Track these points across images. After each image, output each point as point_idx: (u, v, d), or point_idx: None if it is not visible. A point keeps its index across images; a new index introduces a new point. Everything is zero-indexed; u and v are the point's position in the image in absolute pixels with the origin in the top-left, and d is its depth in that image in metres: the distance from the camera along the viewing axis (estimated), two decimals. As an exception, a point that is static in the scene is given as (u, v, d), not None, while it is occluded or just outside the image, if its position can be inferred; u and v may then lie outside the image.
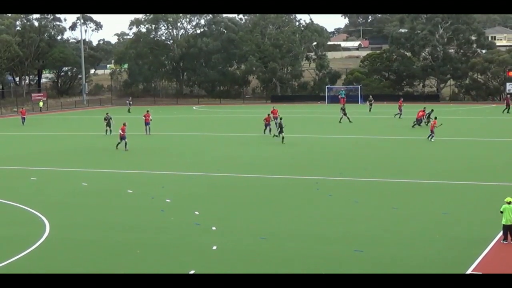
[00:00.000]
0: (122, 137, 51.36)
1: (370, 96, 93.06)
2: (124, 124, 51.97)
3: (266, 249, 24.12)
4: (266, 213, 30.03)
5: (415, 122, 63.63)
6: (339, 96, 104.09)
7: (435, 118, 54.87)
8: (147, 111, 64.36)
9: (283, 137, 52.68)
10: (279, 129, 53.89)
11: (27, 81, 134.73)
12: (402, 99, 79.73)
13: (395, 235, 25.94)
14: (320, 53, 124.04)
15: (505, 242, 24.20)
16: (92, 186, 37.28)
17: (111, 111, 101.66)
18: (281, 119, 56.41)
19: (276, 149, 50.79)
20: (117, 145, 51.57)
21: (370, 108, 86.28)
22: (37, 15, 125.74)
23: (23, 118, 74.70)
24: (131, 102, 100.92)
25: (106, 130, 61.93)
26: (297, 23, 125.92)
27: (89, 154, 51.20)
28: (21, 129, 74.12)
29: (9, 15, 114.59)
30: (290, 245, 24.68)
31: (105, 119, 62.89)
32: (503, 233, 24.37)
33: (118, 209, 31.26)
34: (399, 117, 73.49)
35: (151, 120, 62.40)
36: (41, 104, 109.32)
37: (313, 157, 46.86)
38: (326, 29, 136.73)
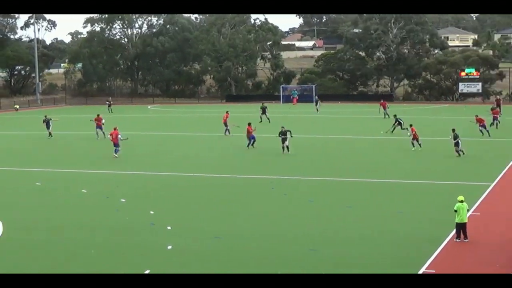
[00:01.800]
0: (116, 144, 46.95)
1: (316, 97, 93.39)
2: (115, 129, 47.80)
3: (222, 249, 24.15)
4: (222, 212, 30.07)
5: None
6: (292, 96, 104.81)
7: (411, 125, 52.28)
8: (98, 114, 60.78)
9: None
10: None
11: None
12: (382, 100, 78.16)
13: (349, 234, 26.12)
14: (274, 52, 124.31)
15: (457, 241, 24.52)
16: (46, 185, 37.01)
17: (65, 111, 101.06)
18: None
19: (231, 149, 50.83)
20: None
21: (317, 109, 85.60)
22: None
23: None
24: (111, 102, 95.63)
25: (50, 133, 58.99)
26: (252, 22, 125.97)
27: (44, 153, 50.80)
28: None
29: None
30: (245, 244, 24.76)
31: (43, 121, 60.46)
32: (456, 231, 24.68)
33: (73, 209, 31.08)
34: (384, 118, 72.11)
35: (103, 124, 58.62)
36: (16, 106, 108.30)
37: (268, 157, 46.96)
38: (280, 29, 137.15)
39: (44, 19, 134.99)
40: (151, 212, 29.73)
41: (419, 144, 48.27)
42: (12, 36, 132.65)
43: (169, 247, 24.25)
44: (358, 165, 43.04)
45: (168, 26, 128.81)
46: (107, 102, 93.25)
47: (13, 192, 35.65)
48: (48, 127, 59.20)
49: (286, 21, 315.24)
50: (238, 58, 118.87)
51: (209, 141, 53.56)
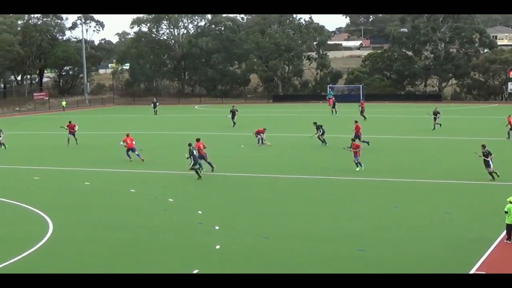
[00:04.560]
0: (131, 149, 46.02)
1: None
2: (127, 135, 46.72)
3: (269, 249, 24.17)
4: (269, 212, 30.08)
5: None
6: (327, 97, 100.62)
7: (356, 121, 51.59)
8: (70, 121, 57.12)
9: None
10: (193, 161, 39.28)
11: (28, 80, 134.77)
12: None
13: (397, 234, 25.99)
14: (321, 52, 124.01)
15: (508, 242, 24.24)
16: (94, 185, 37.35)
17: (112, 111, 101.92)
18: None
19: (278, 149, 50.80)
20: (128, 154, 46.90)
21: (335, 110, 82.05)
22: (39, 15, 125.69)
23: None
24: (157, 103, 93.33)
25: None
26: (298, 22, 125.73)
27: (92, 153, 51.25)
28: (23, 127, 74.17)
29: (11, 14, 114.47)
30: (293, 244, 24.74)
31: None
32: (507, 232, 24.40)
33: (121, 209, 31.32)
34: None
35: (76, 130, 56.04)
36: (63, 103, 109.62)
37: (316, 156, 46.90)
38: (327, 29, 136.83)
39: (92, 19, 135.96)
40: (199, 212, 29.85)
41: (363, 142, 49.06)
42: (60, 37, 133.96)
43: (217, 246, 24.32)
44: (405, 165, 42.80)
45: (213, 26, 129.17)
46: (152, 103, 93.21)
47: (62, 192, 36.02)
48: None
49: (333, 21, 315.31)
50: (283, 57, 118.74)
51: (255, 141, 53.47)
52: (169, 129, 68.81)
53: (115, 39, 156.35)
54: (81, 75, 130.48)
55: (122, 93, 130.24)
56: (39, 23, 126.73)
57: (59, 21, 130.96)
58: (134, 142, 46.22)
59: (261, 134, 52.78)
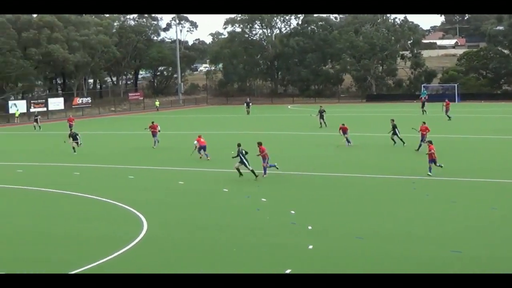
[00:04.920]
0: (203, 147, 47.70)
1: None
2: (200, 137, 48.36)
3: (362, 249, 23.92)
4: (363, 212, 29.81)
5: None
6: (420, 96, 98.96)
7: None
8: (152, 122, 57.24)
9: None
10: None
11: (124, 81, 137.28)
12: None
13: (494, 235, 25.41)
14: (415, 51, 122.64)
15: None
16: (188, 184, 37.67)
17: (206, 110, 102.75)
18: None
19: (371, 150, 50.41)
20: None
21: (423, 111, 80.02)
22: (134, 15, 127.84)
23: (71, 126, 63.91)
24: (250, 103, 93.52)
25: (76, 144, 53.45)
26: (392, 21, 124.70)
27: (185, 152, 51.74)
28: (118, 127, 75.47)
29: (107, 15, 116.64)
30: (387, 245, 24.44)
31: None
32: None
33: (214, 208, 31.45)
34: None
35: (159, 131, 56.18)
36: (157, 103, 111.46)
37: (410, 157, 46.33)
38: (421, 27, 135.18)
39: (187, 20, 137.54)
40: (292, 212, 29.77)
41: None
42: (155, 38, 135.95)
43: (310, 246, 24.20)
44: (502, 165, 41.85)
45: (305, 25, 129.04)
46: (245, 103, 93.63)
47: (157, 191, 36.44)
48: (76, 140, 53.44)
49: (427, 20, 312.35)
50: (377, 56, 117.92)
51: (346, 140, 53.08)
52: (261, 129, 68.93)
53: (208, 39, 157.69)
54: (175, 75, 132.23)
55: (216, 93, 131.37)
56: (134, 24, 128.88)
57: (154, 22, 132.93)
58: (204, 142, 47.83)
59: (345, 134, 52.56)
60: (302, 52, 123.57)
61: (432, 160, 38.14)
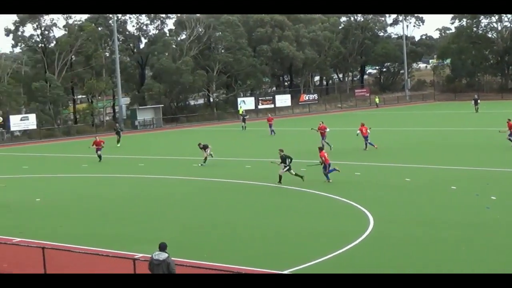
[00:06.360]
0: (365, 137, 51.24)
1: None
2: (362, 125, 51.34)
3: None
4: None
5: None
6: None
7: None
8: (321, 122, 55.67)
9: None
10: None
11: (350, 77, 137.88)
12: None
13: None
14: None
15: None
16: (415, 182, 37.14)
17: (433, 107, 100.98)
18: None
19: None
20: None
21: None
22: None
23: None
24: (478, 100, 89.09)
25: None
26: None
27: (413, 149, 51.15)
28: (343, 124, 75.72)
29: (329, 15, 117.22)
30: None
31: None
32: None
33: (442, 206, 30.75)
34: None
35: (327, 131, 54.01)
36: (377, 100, 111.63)
37: None
38: None
39: (413, 15, 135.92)
40: (525, 211, 28.64)
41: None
42: (381, 34, 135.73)
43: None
44: None
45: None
46: (473, 100, 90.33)
47: (383, 187, 36.17)
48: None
49: None
50: None
51: None
52: (489, 125, 66.79)
53: (435, 35, 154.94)
54: (401, 71, 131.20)
55: (443, 89, 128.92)
56: (361, 20, 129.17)
57: (381, 18, 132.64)
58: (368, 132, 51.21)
59: None
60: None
61: None
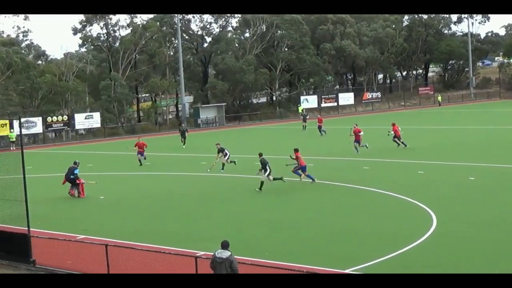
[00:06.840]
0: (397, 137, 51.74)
1: None
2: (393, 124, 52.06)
3: None
4: None
5: None
6: None
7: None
8: (355, 124, 51.77)
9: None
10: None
11: (414, 75, 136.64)
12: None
13: None
14: None
15: None
16: (480, 180, 36.62)
17: (498, 105, 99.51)
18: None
19: None
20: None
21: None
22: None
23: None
24: None
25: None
26: None
27: (477, 147, 50.51)
28: (407, 122, 75.11)
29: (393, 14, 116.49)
30: None
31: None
32: None
33: (507, 206, 30.22)
34: None
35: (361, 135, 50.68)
36: (439, 98, 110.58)
37: None
38: None
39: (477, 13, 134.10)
40: None
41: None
42: (446, 31, 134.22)
43: None
44: None
45: None
46: None
47: (446, 186, 35.73)
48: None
49: None
50: None
51: None
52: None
53: (502, 32, 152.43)
54: (466, 69, 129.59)
55: (509, 87, 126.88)
56: (425, 17, 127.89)
57: (446, 16, 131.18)
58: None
59: None
60: None
61: None
